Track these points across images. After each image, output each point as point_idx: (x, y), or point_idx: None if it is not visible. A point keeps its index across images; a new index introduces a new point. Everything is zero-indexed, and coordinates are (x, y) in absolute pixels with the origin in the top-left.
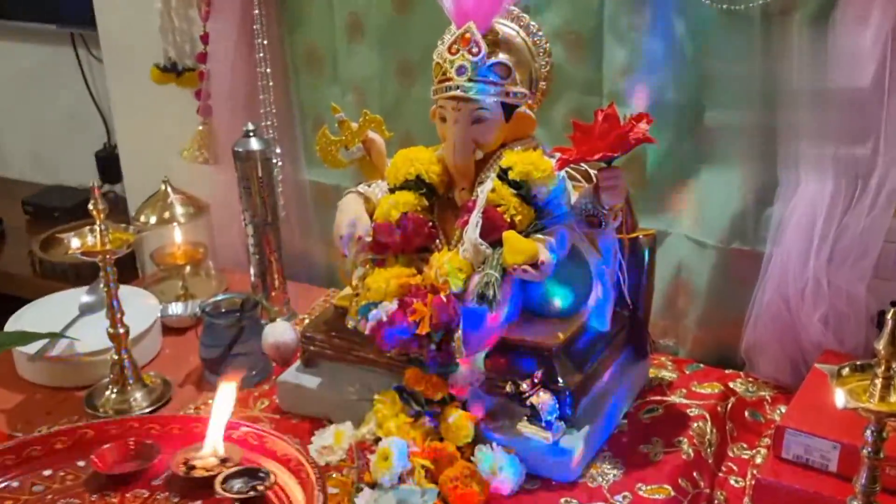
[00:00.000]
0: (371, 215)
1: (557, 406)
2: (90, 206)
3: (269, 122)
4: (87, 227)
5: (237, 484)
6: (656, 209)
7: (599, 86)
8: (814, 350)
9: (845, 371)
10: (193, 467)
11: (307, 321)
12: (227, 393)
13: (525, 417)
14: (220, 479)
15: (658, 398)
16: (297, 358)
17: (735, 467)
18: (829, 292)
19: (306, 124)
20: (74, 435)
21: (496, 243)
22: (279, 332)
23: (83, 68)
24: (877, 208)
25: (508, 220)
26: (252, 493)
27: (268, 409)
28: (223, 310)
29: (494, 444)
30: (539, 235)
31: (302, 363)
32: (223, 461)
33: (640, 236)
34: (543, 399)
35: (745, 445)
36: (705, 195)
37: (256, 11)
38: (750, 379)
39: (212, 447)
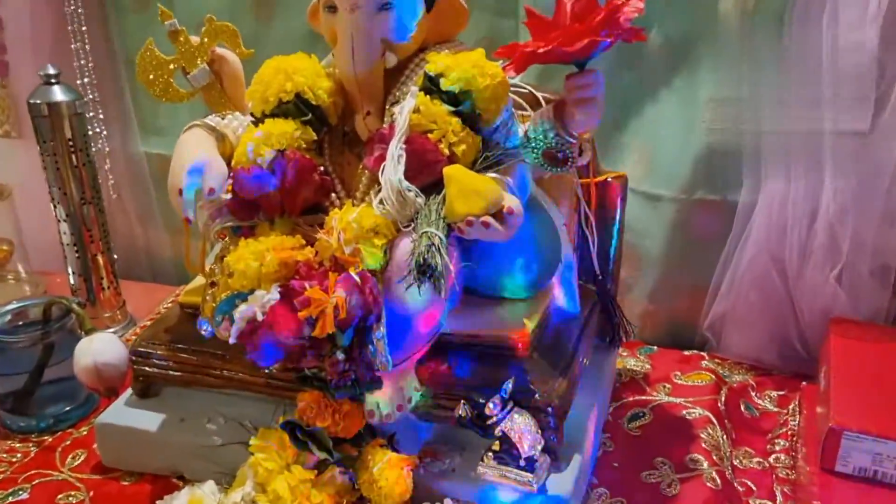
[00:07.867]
0: (228, 160)
1: (540, 433)
2: None
3: (86, 80)
4: None
5: None
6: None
7: None
8: (815, 319)
9: None
10: None
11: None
12: None
13: (490, 452)
14: None
15: (637, 398)
16: (129, 385)
17: (753, 486)
18: (848, 244)
19: (136, 80)
20: None
21: (431, 188)
22: (99, 350)
23: None
24: None
25: (447, 151)
26: None
27: (83, 467)
28: (20, 323)
29: (448, 502)
30: (493, 174)
31: (134, 393)
32: None
33: (610, 179)
34: (520, 424)
35: (750, 451)
36: (655, 134)
37: None
38: (716, 360)
39: None
